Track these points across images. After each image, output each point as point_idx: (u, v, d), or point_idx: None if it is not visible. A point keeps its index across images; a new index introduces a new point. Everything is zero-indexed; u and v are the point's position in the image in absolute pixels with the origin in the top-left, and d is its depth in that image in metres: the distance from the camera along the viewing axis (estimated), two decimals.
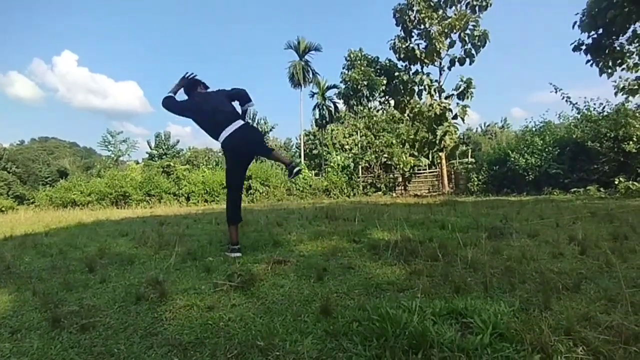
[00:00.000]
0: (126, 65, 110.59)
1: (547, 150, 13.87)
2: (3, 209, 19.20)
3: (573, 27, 9.37)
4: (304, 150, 34.46)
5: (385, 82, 20.24)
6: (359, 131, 23.26)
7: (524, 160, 14.14)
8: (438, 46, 16.64)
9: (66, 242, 4.49)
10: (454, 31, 16.74)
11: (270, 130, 42.50)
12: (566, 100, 14.02)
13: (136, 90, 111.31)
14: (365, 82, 22.05)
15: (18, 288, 2.52)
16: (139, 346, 1.58)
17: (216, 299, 2.11)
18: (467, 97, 16.95)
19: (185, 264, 3.05)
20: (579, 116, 14.13)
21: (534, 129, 15.98)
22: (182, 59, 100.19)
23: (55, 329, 1.76)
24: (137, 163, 36.50)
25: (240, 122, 3.37)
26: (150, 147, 42.85)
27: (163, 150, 41.71)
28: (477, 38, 16.44)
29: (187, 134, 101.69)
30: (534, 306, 1.79)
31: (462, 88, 16.99)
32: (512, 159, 14.53)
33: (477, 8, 16.67)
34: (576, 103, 14.00)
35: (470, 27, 16.51)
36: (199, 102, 3.46)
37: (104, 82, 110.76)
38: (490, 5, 16.57)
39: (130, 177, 20.71)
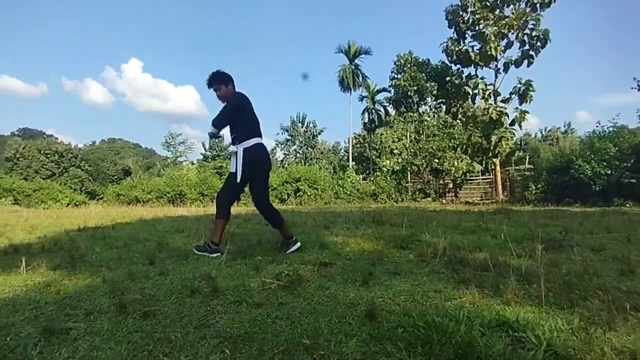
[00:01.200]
0: (184, 70, 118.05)
1: (620, 158, 12.67)
2: (77, 203, 21.20)
3: None
4: (353, 154, 34.43)
5: (436, 87, 19.72)
6: (408, 135, 22.83)
7: (591, 168, 13.01)
8: (494, 48, 15.86)
9: (130, 236, 4.89)
10: (512, 31, 15.86)
11: (319, 133, 42.94)
12: None
13: (194, 95, 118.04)
14: (415, 88, 21.66)
15: (91, 275, 2.80)
16: (194, 336, 1.68)
17: (264, 297, 2.19)
18: (526, 101, 15.93)
19: (236, 261, 3.19)
20: None
21: (603, 134, 14.61)
22: (236, 62, 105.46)
23: (121, 314, 1.93)
24: (193, 164, 38.60)
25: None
26: (204, 149, 45.18)
27: (216, 151, 43.73)
28: (536, 38, 15.42)
29: None
30: (596, 325, 1.67)
31: (521, 91, 16.01)
32: (577, 166, 13.42)
33: (538, 5, 15.61)
34: None
35: (530, 26, 15.55)
36: (246, 100, 3.57)
37: (165, 86, 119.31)
38: (554, 1, 15.42)
39: (186, 177, 22.00)
